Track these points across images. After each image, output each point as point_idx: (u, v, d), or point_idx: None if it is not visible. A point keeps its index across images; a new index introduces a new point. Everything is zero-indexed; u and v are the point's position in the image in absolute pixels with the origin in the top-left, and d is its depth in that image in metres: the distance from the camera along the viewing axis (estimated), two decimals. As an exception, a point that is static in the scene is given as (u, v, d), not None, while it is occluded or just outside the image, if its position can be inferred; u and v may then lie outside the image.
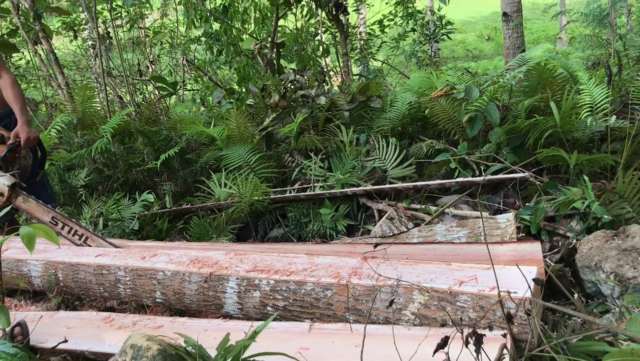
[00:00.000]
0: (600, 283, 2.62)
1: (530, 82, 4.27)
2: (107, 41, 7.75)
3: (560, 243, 3.19)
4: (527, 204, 3.60)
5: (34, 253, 3.50)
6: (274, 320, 2.44)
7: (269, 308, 2.65)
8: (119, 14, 7.97)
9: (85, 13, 7.54)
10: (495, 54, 18.92)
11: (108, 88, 6.26)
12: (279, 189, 4.62)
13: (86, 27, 8.77)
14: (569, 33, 14.95)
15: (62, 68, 6.27)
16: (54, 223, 3.56)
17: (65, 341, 2.52)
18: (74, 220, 3.67)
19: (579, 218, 3.26)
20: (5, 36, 7.09)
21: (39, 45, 6.35)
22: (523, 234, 3.28)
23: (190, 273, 2.87)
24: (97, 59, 8.23)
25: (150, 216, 4.62)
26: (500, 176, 3.84)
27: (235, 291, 2.73)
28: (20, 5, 6.09)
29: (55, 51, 6.26)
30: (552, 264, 2.89)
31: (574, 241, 3.02)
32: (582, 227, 3.19)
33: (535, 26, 21.70)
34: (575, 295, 2.45)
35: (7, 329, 2.37)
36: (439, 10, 8.44)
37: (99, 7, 6.85)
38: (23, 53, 8.19)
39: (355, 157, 4.48)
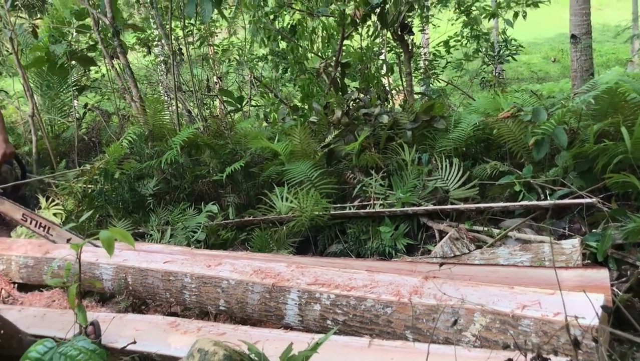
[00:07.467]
0: (672, 316, 2.53)
1: (600, 106, 4.15)
2: (178, 57, 8.06)
3: (629, 272, 3.09)
4: (593, 230, 3.50)
5: (104, 258, 3.71)
6: (334, 334, 2.48)
7: (328, 322, 2.69)
8: (191, 32, 8.28)
9: (159, 30, 7.89)
10: (561, 76, 18.45)
11: (178, 102, 6.51)
12: (339, 205, 4.66)
13: (159, 43, 9.15)
14: (642, 56, 14.44)
15: (136, 82, 6.56)
16: (24, 219, 4.17)
17: (134, 342, 2.64)
18: (36, 213, 4.28)
19: (650, 247, 3.15)
20: (85, 51, 7.50)
21: (115, 59, 6.67)
22: (589, 261, 3.19)
23: (253, 282, 2.95)
24: (168, 74, 8.57)
25: (215, 226, 4.76)
26: (566, 200, 3.75)
27: (296, 303, 2.79)
28: (100, 21, 6.43)
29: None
30: (620, 293, 2.81)
31: (644, 270, 2.92)
32: (653, 256, 3.08)
33: (605, 48, 21.02)
34: (645, 327, 2.37)
35: (83, 327, 2.51)
36: (504, 32, 8.36)
37: (172, 25, 7.16)
38: (99, 67, 8.61)
39: (417, 177, 4.48)
